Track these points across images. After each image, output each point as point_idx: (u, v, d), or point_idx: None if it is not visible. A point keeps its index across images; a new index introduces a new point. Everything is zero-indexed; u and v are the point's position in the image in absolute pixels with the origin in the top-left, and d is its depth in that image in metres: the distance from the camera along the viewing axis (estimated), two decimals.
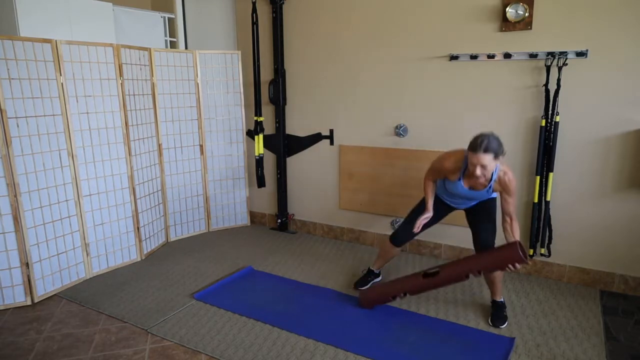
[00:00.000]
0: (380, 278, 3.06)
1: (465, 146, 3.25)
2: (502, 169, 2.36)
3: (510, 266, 2.30)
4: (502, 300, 2.65)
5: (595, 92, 2.78)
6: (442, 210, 2.71)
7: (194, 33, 4.29)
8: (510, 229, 2.41)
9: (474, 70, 3.12)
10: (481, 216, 2.58)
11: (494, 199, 2.58)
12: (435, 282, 2.47)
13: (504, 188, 2.38)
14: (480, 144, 2.19)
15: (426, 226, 2.69)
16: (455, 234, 3.39)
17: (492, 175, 2.35)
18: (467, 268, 2.39)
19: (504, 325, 2.53)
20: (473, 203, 2.60)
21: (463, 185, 2.46)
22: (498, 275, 2.58)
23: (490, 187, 2.40)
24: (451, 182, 2.51)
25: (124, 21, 3.74)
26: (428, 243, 3.51)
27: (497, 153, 2.22)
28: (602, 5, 2.68)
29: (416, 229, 2.64)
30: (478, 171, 2.23)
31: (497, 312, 2.59)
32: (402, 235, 2.77)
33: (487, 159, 2.20)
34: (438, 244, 3.47)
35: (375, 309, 2.71)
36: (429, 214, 2.64)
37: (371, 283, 2.99)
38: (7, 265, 2.75)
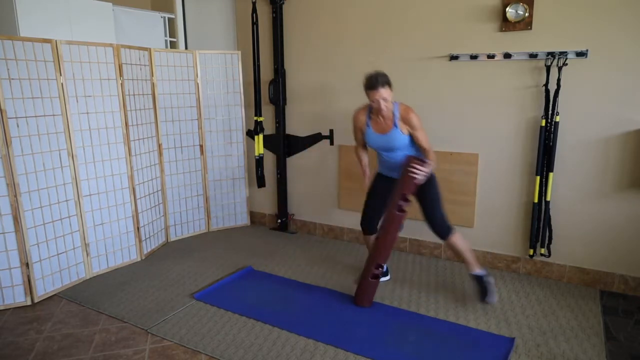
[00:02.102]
0: (384, 269, 3.06)
1: (464, 146, 3.27)
2: (402, 107, 2.59)
3: (412, 173, 2.47)
4: (478, 272, 2.69)
5: (595, 92, 2.78)
6: (390, 183, 2.78)
7: (194, 33, 4.29)
8: (425, 155, 2.62)
9: (474, 70, 3.12)
10: (425, 195, 2.68)
11: (433, 176, 2.66)
12: (386, 234, 2.60)
13: (408, 124, 2.58)
14: (376, 81, 2.47)
15: (386, 204, 2.77)
16: None
17: (393, 113, 2.58)
18: (393, 204, 2.57)
19: (491, 299, 2.62)
20: (398, 154, 2.66)
21: (373, 131, 2.67)
22: (459, 243, 2.67)
23: (396, 125, 2.58)
24: (367, 136, 2.71)
25: (124, 21, 3.74)
26: (428, 243, 3.51)
27: (389, 84, 2.51)
28: (602, 5, 2.68)
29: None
30: (382, 104, 2.50)
31: (478, 286, 2.69)
32: (365, 221, 2.90)
33: (386, 92, 2.49)
34: (438, 244, 3.47)
35: (375, 308, 2.71)
36: (367, 180, 2.92)
37: None
38: (7, 265, 2.75)
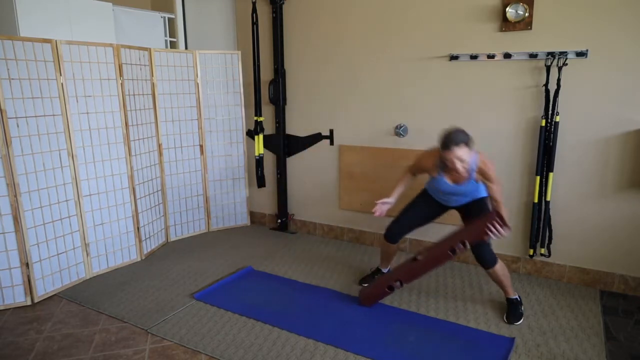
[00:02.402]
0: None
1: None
2: (480, 159, 2.46)
3: (488, 230, 2.34)
4: (514, 297, 2.64)
5: (595, 92, 2.78)
6: (434, 207, 2.75)
7: (194, 33, 4.29)
8: (496, 207, 2.52)
9: (474, 70, 3.12)
10: (473, 215, 2.60)
11: (485, 198, 2.61)
12: (425, 263, 2.52)
13: (483, 176, 2.48)
14: (451, 140, 2.32)
15: (420, 224, 2.78)
16: None
17: (471, 166, 2.44)
18: (450, 243, 2.46)
19: (519, 323, 2.55)
20: (465, 199, 2.61)
21: (446, 181, 2.54)
22: (500, 272, 2.56)
23: (472, 178, 2.48)
24: (435, 180, 2.60)
25: (124, 21, 3.74)
26: (428, 243, 3.51)
27: (468, 142, 2.34)
28: (602, 5, 2.68)
29: (376, 213, 2.69)
30: (458, 165, 2.35)
31: (510, 309, 2.61)
32: (393, 230, 2.80)
33: (462, 152, 2.32)
34: None
35: (375, 308, 2.71)
36: (388, 200, 2.73)
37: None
38: (7, 265, 2.75)
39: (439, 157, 2.48)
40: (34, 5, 3.03)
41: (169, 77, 3.74)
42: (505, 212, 2.46)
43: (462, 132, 2.35)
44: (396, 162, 3.49)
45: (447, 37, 3.17)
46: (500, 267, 2.55)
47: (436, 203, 2.73)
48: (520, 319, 2.58)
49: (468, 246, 2.45)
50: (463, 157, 2.32)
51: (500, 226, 2.33)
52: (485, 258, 2.51)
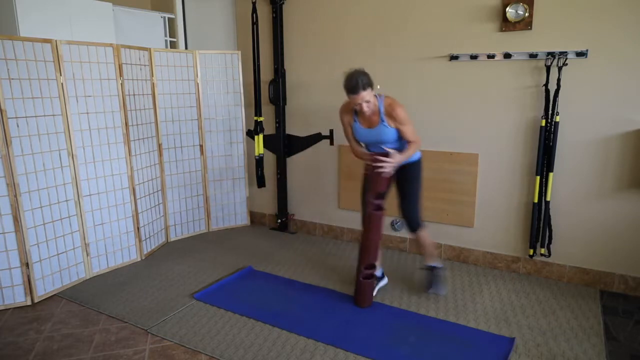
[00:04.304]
0: (377, 270, 2.91)
1: (464, 146, 3.27)
2: (387, 101, 2.57)
3: (377, 169, 2.52)
4: (433, 264, 2.86)
5: (595, 92, 2.78)
6: None
7: (194, 33, 4.29)
8: (408, 147, 2.62)
9: (474, 70, 3.12)
10: (404, 186, 2.75)
11: (417, 167, 2.72)
12: (368, 236, 2.65)
13: (394, 119, 2.55)
14: (355, 85, 2.43)
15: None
16: (455, 234, 3.39)
17: (380, 108, 2.56)
18: (369, 203, 2.63)
19: (437, 291, 2.82)
20: (386, 146, 2.64)
21: (361, 126, 2.66)
22: (423, 239, 2.79)
23: (382, 120, 2.57)
24: (355, 131, 2.71)
25: (124, 21, 3.74)
26: None
27: (370, 85, 2.46)
28: (602, 5, 2.68)
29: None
30: (365, 107, 2.50)
31: (429, 276, 2.86)
32: (364, 213, 2.82)
33: (366, 94, 2.45)
34: (438, 244, 3.47)
35: (375, 308, 2.71)
36: (375, 157, 2.61)
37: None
38: (7, 265, 2.75)
39: (350, 105, 2.64)
40: (34, 5, 3.03)
41: (169, 77, 3.74)
42: (409, 153, 2.59)
43: (364, 75, 2.46)
44: None
45: (447, 37, 3.17)
46: (424, 235, 2.80)
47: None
48: (441, 287, 2.83)
49: (384, 197, 2.63)
50: (368, 98, 2.46)
51: (383, 157, 2.49)
52: (410, 222, 2.76)
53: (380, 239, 2.70)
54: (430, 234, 3.45)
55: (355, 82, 2.43)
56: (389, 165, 2.51)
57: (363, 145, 2.81)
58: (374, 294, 2.84)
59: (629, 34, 2.64)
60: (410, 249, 3.61)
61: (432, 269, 2.88)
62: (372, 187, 2.62)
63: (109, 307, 2.79)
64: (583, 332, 2.44)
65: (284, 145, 4.06)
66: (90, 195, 3.16)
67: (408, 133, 2.59)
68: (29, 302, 2.85)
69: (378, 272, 2.93)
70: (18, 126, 2.72)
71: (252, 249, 3.73)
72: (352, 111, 2.69)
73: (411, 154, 2.61)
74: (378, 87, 2.55)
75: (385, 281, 3.02)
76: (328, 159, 3.87)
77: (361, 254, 2.71)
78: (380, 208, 2.62)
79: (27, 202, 2.78)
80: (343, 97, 3.71)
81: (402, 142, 2.66)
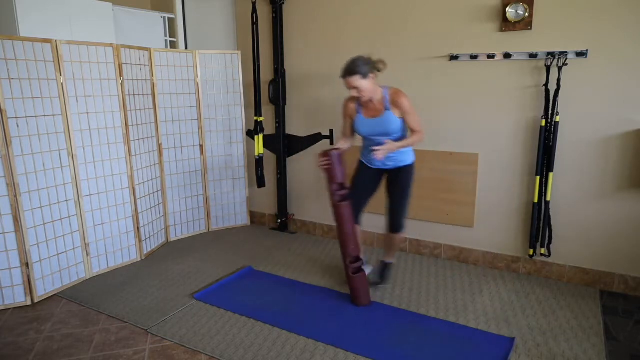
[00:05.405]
0: (363, 263, 2.89)
1: (464, 146, 3.28)
2: (392, 90, 2.58)
3: (322, 161, 2.58)
4: (391, 261, 3.03)
5: (595, 92, 2.78)
6: (369, 175, 2.83)
7: (194, 33, 4.29)
8: (411, 135, 2.65)
9: (474, 70, 3.12)
10: (395, 188, 2.77)
11: (409, 171, 2.73)
12: (340, 226, 2.68)
13: (398, 108, 2.56)
14: (346, 68, 2.47)
15: (367, 196, 2.86)
16: (455, 234, 3.39)
17: (384, 96, 2.57)
18: (332, 195, 2.66)
19: (381, 284, 2.94)
20: (389, 137, 2.63)
21: (364, 117, 2.66)
22: (398, 241, 2.90)
23: (387, 108, 2.58)
24: (357, 123, 2.70)
25: (124, 21, 3.74)
26: (428, 243, 3.51)
27: (362, 72, 2.44)
28: (602, 5, 2.68)
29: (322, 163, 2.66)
30: (355, 92, 2.51)
31: (381, 270, 2.98)
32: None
33: (354, 80, 2.45)
34: (438, 244, 3.47)
35: (375, 308, 2.71)
36: (322, 152, 2.65)
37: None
38: (7, 265, 2.75)
39: (354, 97, 2.62)
40: (34, 5, 3.03)
41: (169, 77, 3.74)
42: (409, 142, 2.61)
43: (361, 60, 2.45)
44: None
45: (447, 37, 3.17)
46: (401, 238, 2.90)
47: (369, 170, 2.83)
48: (383, 281, 2.96)
49: (346, 187, 2.66)
50: (357, 85, 2.46)
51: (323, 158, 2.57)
52: (393, 222, 2.78)
53: (353, 228, 2.70)
54: (430, 234, 3.48)
55: (348, 65, 2.46)
56: (382, 152, 2.50)
57: (364, 139, 2.80)
58: (371, 281, 2.94)
59: (629, 34, 2.64)
60: (410, 249, 3.61)
61: (389, 265, 3.03)
62: (329, 180, 2.65)
63: (109, 307, 2.79)
64: (583, 332, 2.44)
65: (284, 145, 4.06)
66: (90, 195, 3.16)
67: (413, 122, 2.61)
68: (29, 302, 2.85)
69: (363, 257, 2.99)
70: (18, 126, 2.72)
71: (252, 249, 3.73)
72: (355, 102, 2.69)
73: (410, 144, 2.63)
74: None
75: (369, 269, 3.14)
76: None
77: (342, 249, 2.73)
78: (344, 199, 2.64)
79: (27, 202, 2.78)
80: (343, 97, 3.72)
81: (404, 136, 2.67)
